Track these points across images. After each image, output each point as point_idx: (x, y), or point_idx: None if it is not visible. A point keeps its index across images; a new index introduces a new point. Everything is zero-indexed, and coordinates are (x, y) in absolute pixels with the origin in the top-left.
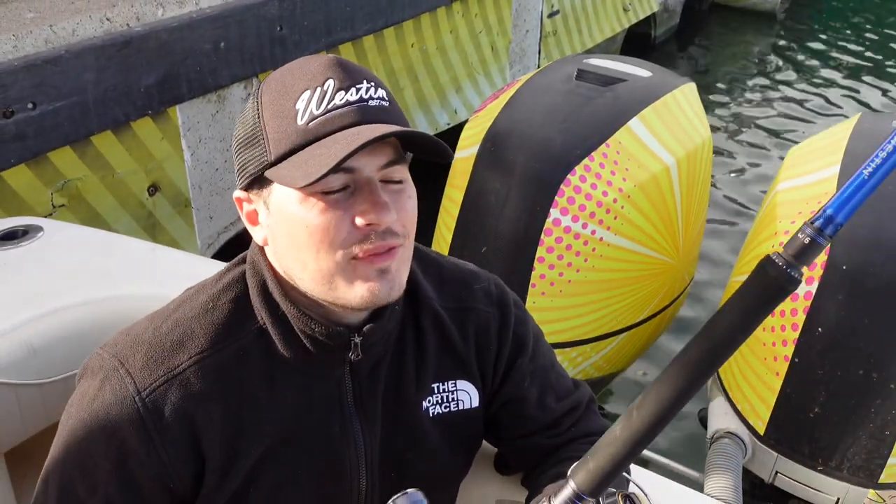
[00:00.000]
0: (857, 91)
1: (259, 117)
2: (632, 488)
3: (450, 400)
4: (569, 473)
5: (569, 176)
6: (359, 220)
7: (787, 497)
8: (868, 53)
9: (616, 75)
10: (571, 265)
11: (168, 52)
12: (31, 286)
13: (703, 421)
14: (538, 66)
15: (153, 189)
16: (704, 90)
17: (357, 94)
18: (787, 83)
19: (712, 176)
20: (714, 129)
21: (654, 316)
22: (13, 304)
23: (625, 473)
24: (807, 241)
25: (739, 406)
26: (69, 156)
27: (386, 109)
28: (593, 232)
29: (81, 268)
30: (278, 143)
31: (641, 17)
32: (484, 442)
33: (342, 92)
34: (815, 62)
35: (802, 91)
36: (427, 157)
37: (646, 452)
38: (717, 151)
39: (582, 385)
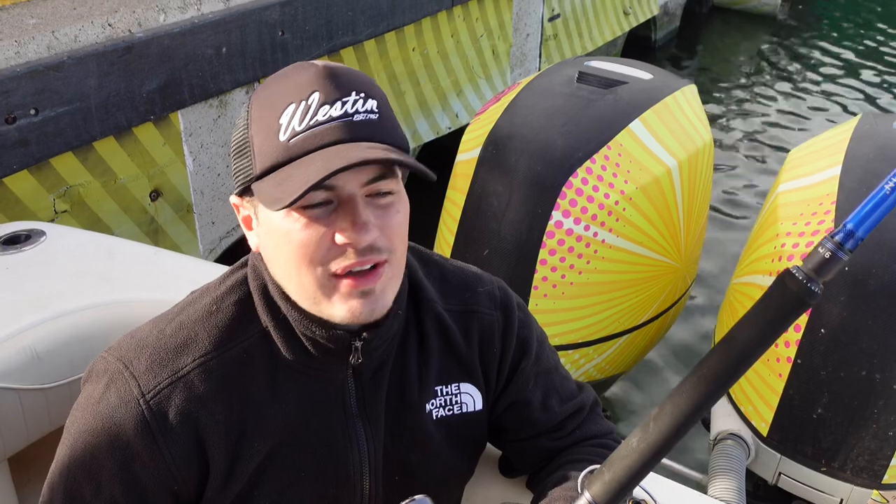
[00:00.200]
0: (858, 92)
1: (247, 128)
2: (641, 494)
3: (453, 403)
4: (582, 484)
5: (570, 178)
6: (338, 238)
7: (791, 498)
8: (868, 55)
9: (617, 78)
10: (573, 267)
11: (170, 57)
12: (35, 291)
13: (706, 422)
14: (539, 70)
15: (155, 194)
16: (705, 92)
17: (342, 108)
18: (788, 85)
19: (713, 178)
20: (715, 130)
21: (656, 318)
22: (16, 309)
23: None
24: (827, 255)
25: (742, 407)
26: (71, 161)
27: (373, 124)
28: (595, 234)
29: (84, 272)
30: (262, 158)
31: (642, 20)
32: (488, 444)
33: (326, 106)
34: (815, 64)
35: (803, 93)
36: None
37: None
38: (719, 153)
39: (586, 387)
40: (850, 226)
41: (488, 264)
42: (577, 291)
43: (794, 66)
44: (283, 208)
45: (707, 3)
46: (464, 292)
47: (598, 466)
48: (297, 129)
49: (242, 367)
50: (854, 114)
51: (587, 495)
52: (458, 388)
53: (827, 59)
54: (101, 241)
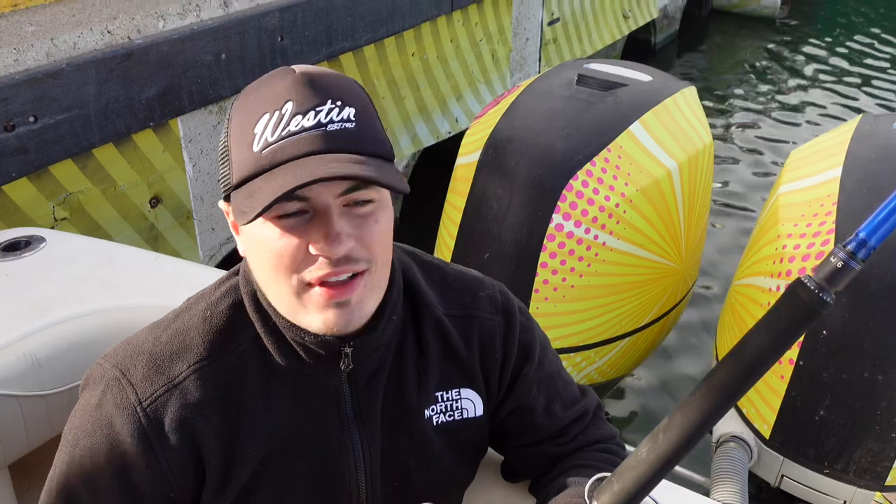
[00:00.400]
0: (858, 93)
1: (227, 136)
2: (645, 501)
3: (454, 408)
4: (589, 493)
5: (571, 181)
6: (311, 249)
7: (794, 500)
8: (867, 56)
9: (616, 80)
10: (574, 270)
11: (169, 64)
12: (35, 297)
13: None
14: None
15: (155, 201)
16: (705, 95)
17: (315, 118)
18: (788, 87)
19: (714, 179)
20: (715, 132)
21: (657, 320)
22: (17, 316)
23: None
24: (839, 264)
25: (744, 410)
26: (71, 169)
27: (348, 133)
28: (596, 237)
29: (84, 278)
30: (238, 168)
31: (641, 23)
32: (491, 449)
33: (299, 116)
34: (814, 65)
35: (802, 94)
36: None
37: None
38: (719, 155)
39: (589, 392)
40: (862, 235)
41: (489, 268)
42: (577, 294)
43: (794, 68)
44: (248, 223)
45: (706, 6)
46: (464, 297)
47: (605, 475)
48: (270, 139)
49: (237, 373)
50: (855, 114)
51: None
52: (459, 394)
53: (826, 61)
54: (101, 247)
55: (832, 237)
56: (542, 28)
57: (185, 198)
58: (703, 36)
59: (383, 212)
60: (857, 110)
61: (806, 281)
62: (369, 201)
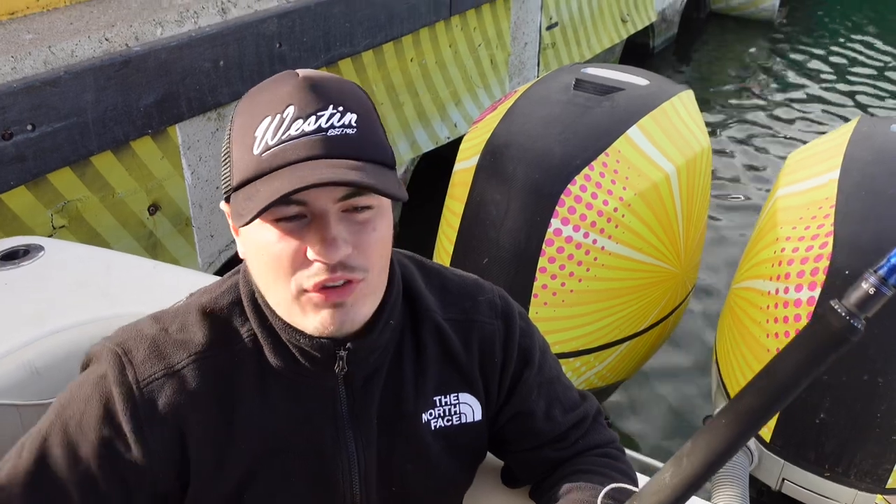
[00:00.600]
0: (855, 96)
1: (230, 138)
2: None
3: (452, 413)
4: None
5: (569, 186)
6: (308, 254)
7: None
8: (865, 59)
9: (614, 84)
10: (573, 275)
11: (167, 71)
12: (33, 306)
13: None
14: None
15: (153, 208)
16: (703, 98)
17: (315, 123)
18: (786, 90)
19: (712, 182)
20: (714, 135)
21: (656, 324)
22: (15, 324)
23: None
24: (871, 291)
25: None
26: (69, 177)
27: (348, 139)
28: (594, 241)
29: (83, 287)
30: (238, 170)
31: (640, 27)
32: (491, 454)
33: (300, 121)
34: (812, 69)
35: (801, 97)
36: None
37: (653, 461)
38: (717, 158)
39: (589, 397)
40: (894, 260)
41: (488, 273)
42: (577, 299)
43: (792, 71)
44: (244, 225)
45: (705, 9)
46: (464, 301)
47: (619, 485)
48: (270, 143)
49: (234, 370)
50: (852, 116)
51: None
52: (457, 399)
53: (824, 64)
54: (100, 256)
55: (830, 240)
56: (541, 32)
57: (184, 205)
58: (702, 39)
59: (381, 219)
60: (855, 113)
61: (836, 307)
62: (368, 207)
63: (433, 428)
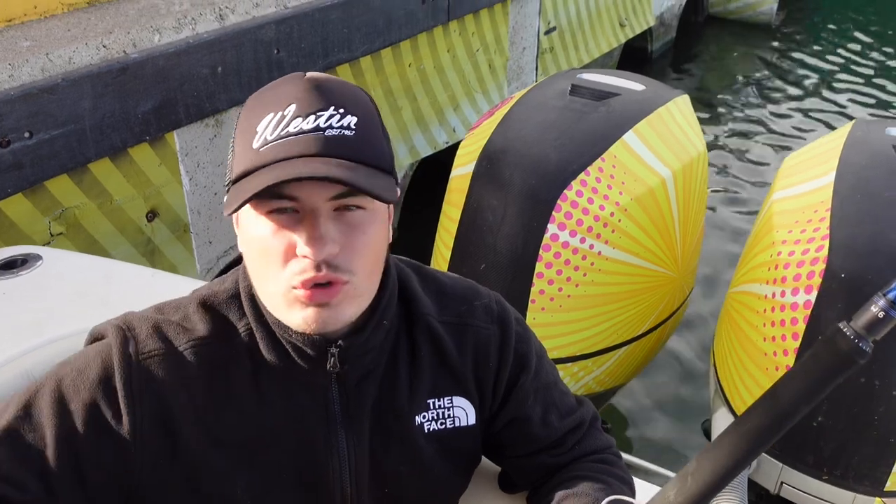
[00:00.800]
0: (852, 99)
1: (234, 133)
2: None
3: (445, 416)
4: None
5: (565, 191)
6: (297, 250)
7: None
8: (862, 63)
9: (609, 90)
10: (570, 280)
11: (165, 77)
12: (31, 315)
13: (707, 433)
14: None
15: (152, 215)
16: (701, 101)
17: (314, 122)
18: (783, 93)
19: (708, 187)
20: (711, 139)
21: (654, 328)
22: (14, 334)
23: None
24: (881, 314)
25: None
26: (66, 184)
27: (345, 140)
28: (591, 246)
29: (81, 296)
30: (238, 163)
31: (638, 31)
32: (489, 459)
33: (299, 119)
34: (809, 72)
35: (798, 100)
36: None
37: (651, 466)
38: (714, 162)
39: (585, 402)
40: None
41: (485, 278)
42: (574, 304)
43: (790, 74)
44: (229, 214)
45: (703, 13)
46: (460, 305)
47: (619, 497)
48: (269, 138)
49: (230, 362)
50: (848, 120)
51: None
52: (451, 402)
53: (822, 67)
54: (98, 265)
55: (826, 243)
56: (539, 37)
57: (182, 211)
58: (700, 43)
59: (373, 223)
60: (851, 116)
61: (845, 330)
62: (360, 208)
63: (426, 430)
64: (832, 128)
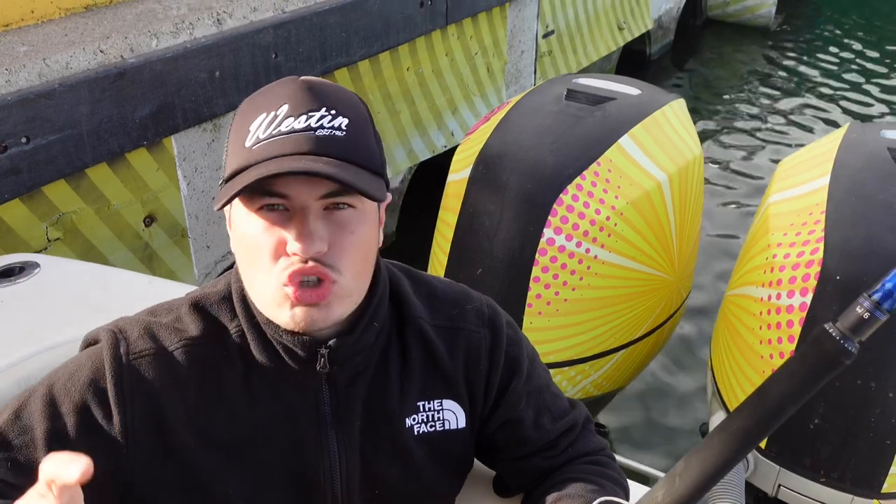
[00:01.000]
0: (850, 102)
1: (229, 133)
2: None
3: (435, 419)
4: None
5: (561, 195)
6: (287, 247)
7: None
8: (859, 66)
9: (605, 94)
10: (567, 284)
11: (163, 82)
12: (29, 323)
13: (705, 435)
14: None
15: (149, 220)
16: (699, 104)
17: (306, 121)
18: (780, 96)
19: (705, 190)
20: (709, 142)
21: (652, 332)
22: (11, 341)
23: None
24: (865, 315)
25: None
26: (64, 189)
27: (335, 140)
28: (587, 250)
29: (79, 303)
30: (231, 161)
31: (636, 34)
32: (483, 463)
33: (291, 119)
34: (805, 75)
35: (796, 103)
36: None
37: (648, 469)
38: (710, 165)
39: (578, 405)
40: (889, 285)
41: (482, 283)
42: (571, 308)
43: (787, 78)
44: (218, 209)
45: (701, 16)
46: (452, 309)
47: (609, 498)
48: (261, 136)
49: (221, 362)
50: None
51: None
52: (441, 405)
53: (819, 70)
54: (96, 272)
55: (821, 246)
56: (537, 40)
57: (180, 216)
58: (698, 46)
59: (362, 223)
60: (846, 119)
61: (831, 330)
62: (349, 206)
63: (416, 433)
64: (828, 131)
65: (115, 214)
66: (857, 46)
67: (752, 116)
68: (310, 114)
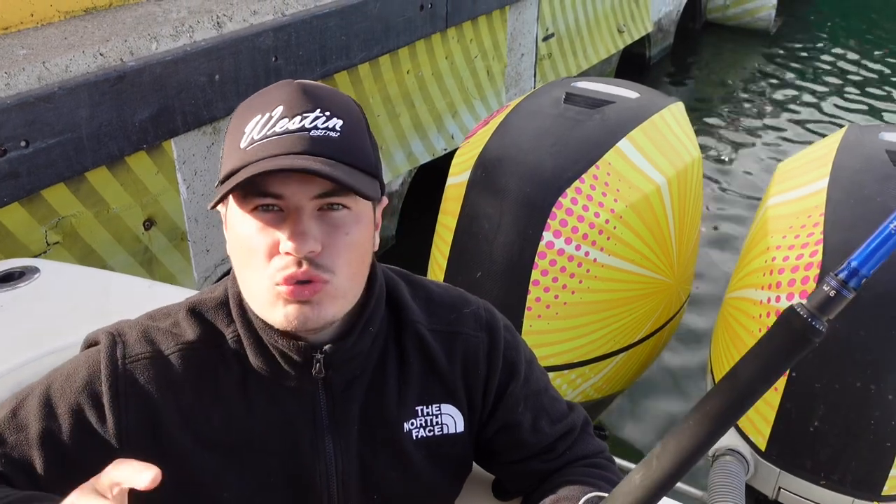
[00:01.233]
0: (848, 105)
1: (226, 134)
2: None
3: (434, 423)
4: None
5: (560, 199)
6: (280, 246)
7: None
8: (858, 68)
9: (604, 97)
10: (566, 287)
11: (162, 85)
12: (29, 328)
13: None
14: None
15: (149, 223)
16: (699, 107)
17: (300, 122)
18: (779, 99)
19: (704, 193)
20: (708, 145)
21: (651, 335)
22: (12, 346)
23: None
24: (832, 293)
25: (740, 422)
26: (63, 193)
27: (330, 141)
28: (587, 253)
29: (79, 308)
30: (226, 162)
31: (636, 37)
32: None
33: (285, 120)
34: (806, 78)
35: (794, 106)
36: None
37: None
38: (710, 168)
39: (576, 407)
40: (854, 263)
41: (481, 287)
42: (571, 311)
43: (786, 81)
44: (211, 207)
45: (700, 19)
46: (449, 313)
47: (596, 494)
48: (256, 137)
49: (218, 366)
50: (843, 124)
51: None
52: (439, 409)
53: (818, 73)
54: (96, 276)
55: (820, 248)
56: (537, 43)
57: (180, 220)
58: (698, 49)
59: (356, 225)
60: (846, 123)
61: (798, 309)
62: (344, 207)
63: (415, 437)
64: (827, 133)
65: (115, 218)
66: (856, 49)
67: (751, 119)
68: (304, 115)
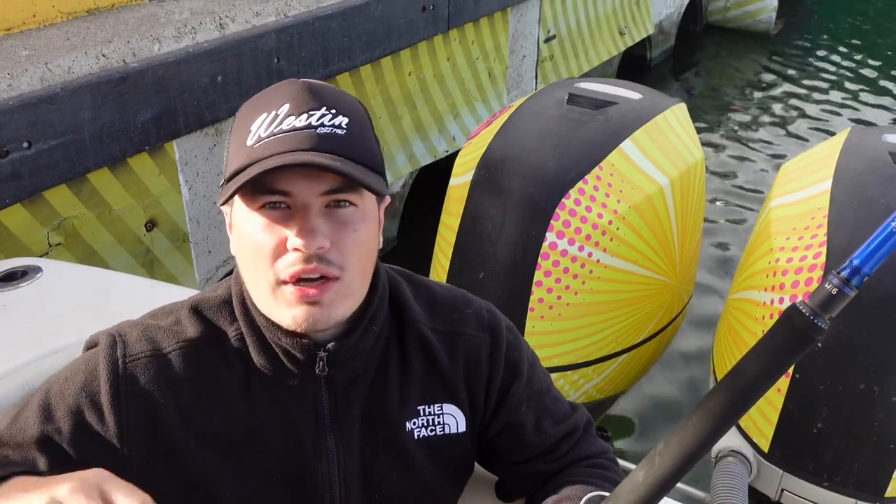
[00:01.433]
0: (850, 106)
1: (230, 133)
2: None
3: (435, 423)
4: None
5: (563, 200)
6: (288, 243)
7: None
8: (859, 70)
9: (607, 98)
10: (569, 288)
11: (165, 86)
12: (31, 327)
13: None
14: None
15: (151, 224)
16: (700, 109)
17: (307, 120)
18: (781, 100)
19: (707, 194)
20: (709, 147)
21: (654, 336)
22: (13, 346)
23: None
24: (834, 291)
25: (743, 424)
26: (65, 194)
27: (336, 138)
28: (590, 254)
29: (81, 307)
30: (232, 161)
31: (637, 39)
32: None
33: (292, 117)
34: (807, 79)
35: (796, 108)
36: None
37: None
38: (713, 169)
39: (579, 408)
40: (856, 262)
41: (484, 287)
42: (573, 312)
43: (787, 82)
44: (221, 204)
45: (701, 21)
46: (451, 314)
47: (597, 493)
48: (262, 135)
49: (220, 365)
50: (845, 127)
51: None
52: (441, 409)
53: (819, 75)
54: (98, 276)
55: (824, 249)
56: (539, 45)
57: (181, 221)
58: (699, 51)
59: (364, 222)
60: (849, 123)
61: (801, 307)
62: (351, 204)
63: (416, 437)
64: (829, 135)
65: (117, 219)
66: (857, 51)
67: (753, 121)
68: (310, 112)
